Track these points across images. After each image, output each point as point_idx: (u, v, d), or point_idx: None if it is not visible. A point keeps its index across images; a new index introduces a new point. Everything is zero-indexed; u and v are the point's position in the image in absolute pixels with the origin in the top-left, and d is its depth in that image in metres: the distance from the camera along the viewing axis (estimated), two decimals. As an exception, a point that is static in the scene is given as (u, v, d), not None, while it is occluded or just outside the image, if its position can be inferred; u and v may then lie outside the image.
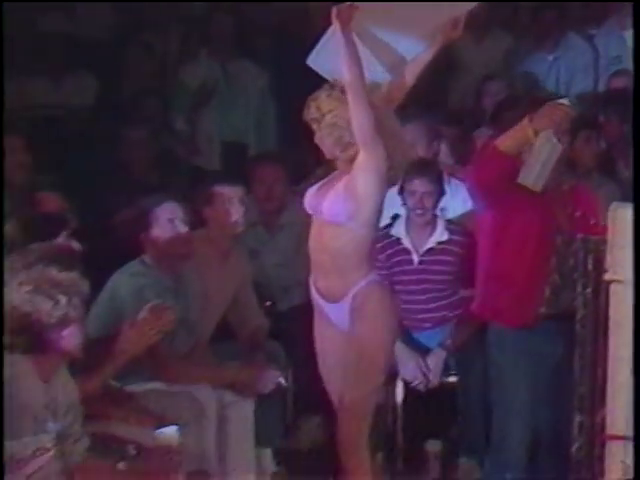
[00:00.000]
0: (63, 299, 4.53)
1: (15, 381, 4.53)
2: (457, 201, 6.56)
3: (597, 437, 4.11)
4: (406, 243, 6.32)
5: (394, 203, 6.43)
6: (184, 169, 7.87)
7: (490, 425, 5.94)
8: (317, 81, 5.16)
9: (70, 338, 4.57)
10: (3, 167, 5.85)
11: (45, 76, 7.86)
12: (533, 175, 4.89)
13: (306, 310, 5.41)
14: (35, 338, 4.53)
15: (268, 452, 6.09)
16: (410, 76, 5.15)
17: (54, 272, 4.67)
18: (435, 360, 6.26)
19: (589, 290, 4.08)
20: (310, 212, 5.23)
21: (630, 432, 4.04)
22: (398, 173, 5.46)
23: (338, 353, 5.18)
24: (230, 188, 6.13)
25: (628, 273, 4.07)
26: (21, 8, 8.03)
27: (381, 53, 5.13)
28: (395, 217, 6.41)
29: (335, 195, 5.05)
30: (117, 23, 8.63)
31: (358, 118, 4.96)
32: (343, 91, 5.03)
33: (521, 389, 5.05)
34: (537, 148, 4.88)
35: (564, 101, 4.97)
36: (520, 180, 4.90)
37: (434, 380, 6.26)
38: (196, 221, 6.00)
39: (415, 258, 6.32)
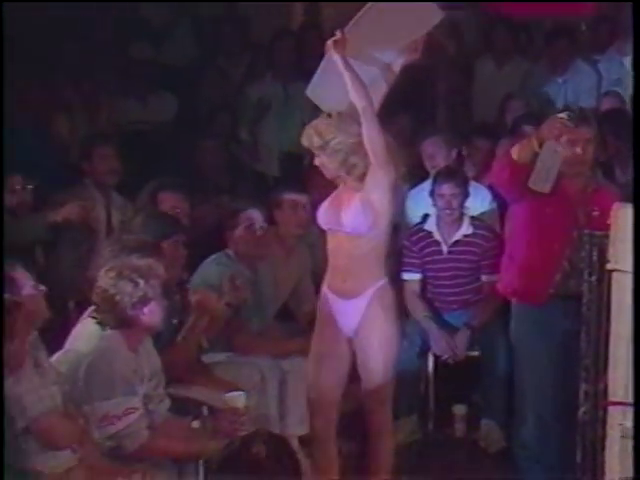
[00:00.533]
0: (141, 282, 4.57)
1: (108, 352, 4.59)
2: (478, 201, 6.56)
3: (600, 403, 4.09)
4: (437, 236, 6.32)
5: (424, 203, 6.50)
6: (248, 173, 7.90)
7: (508, 392, 5.97)
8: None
9: (150, 314, 4.62)
10: (3, 169, 5.58)
11: (133, 96, 7.89)
12: (540, 179, 4.87)
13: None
14: (121, 315, 4.59)
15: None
16: (375, 102, 4.89)
17: (134, 259, 4.72)
18: (461, 337, 6.25)
19: (594, 278, 4.07)
20: (326, 227, 5.03)
21: (629, 399, 4.03)
22: (402, 180, 5.48)
23: (335, 354, 5.02)
24: (297, 195, 6.20)
25: (628, 264, 4.05)
26: (113, 37, 8.08)
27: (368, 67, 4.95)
28: (425, 216, 6.43)
29: (355, 210, 4.87)
30: (196, 51, 8.66)
31: (374, 141, 4.77)
32: (341, 119, 4.86)
33: (536, 358, 5.03)
34: (542, 156, 4.85)
35: (563, 115, 4.93)
36: (530, 184, 4.89)
37: (460, 354, 6.26)
38: (268, 222, 6.06)
39: (444, 249, 6.32)
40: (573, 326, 4.62)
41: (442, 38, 8.35)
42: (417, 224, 6.48)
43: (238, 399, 4.92)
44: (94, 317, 4.66)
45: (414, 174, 6.94)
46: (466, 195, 6.29)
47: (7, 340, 4.14)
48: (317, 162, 4.97)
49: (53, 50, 7.63)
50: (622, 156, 6.31)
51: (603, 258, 4.08)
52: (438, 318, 6.31)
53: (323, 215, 5.03)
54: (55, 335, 4.79)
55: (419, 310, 6.31)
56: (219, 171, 7.29)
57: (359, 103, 4.76)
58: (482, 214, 6.52)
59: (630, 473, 3.93)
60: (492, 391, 6.15)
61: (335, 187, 5.03)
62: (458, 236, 6.30)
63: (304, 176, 6.71)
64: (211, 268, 5.85)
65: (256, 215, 5.95)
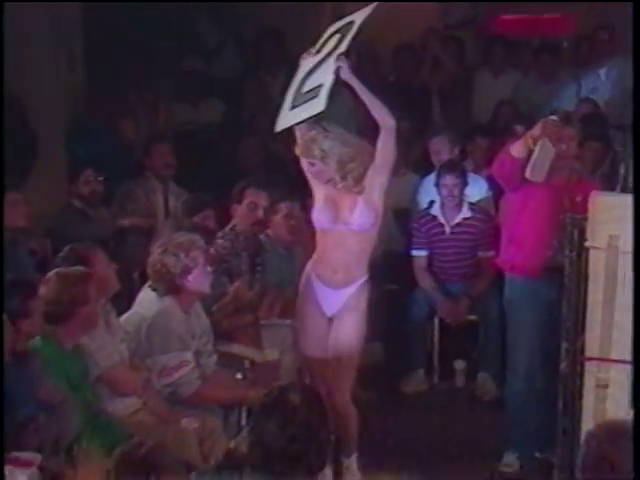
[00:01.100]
0: (182, 255, 4.58)
1: (165, 314, 4.60)
2: (476, 190, 6.53)
3: (578, 358, 4.08)
4: (441, 219, 6.30)
5: (430, 192, 6.50)
6: (286, 168, 7.82)
7: (501, 349, 5.96)
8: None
9: (194, 282, 4.62)
10: (3, 162, 5.34)
11: (186, 102, 7.90)
12: (535, 171, 4.85)
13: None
14: (169, 284, 4.60)
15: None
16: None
17: (178, 236, 4.74)
18: (461, 304, 6.23)
19: (574, 253, 4.05)
20: (322, 226, 4.63)
21: (602, 355, 4.03)
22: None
23: (318, 332, 4.67)
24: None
25: (603, 242, 4.04)
26: (167, 51, 8.07)
27: None
28: (431, 203, 6.41)
29: (360, 210, 4.57)
30: (239, 64, 8.63)
31: (388, 154, 4.53)
32: (339, 132, 4.56)
33: (527, 322, 5.02)
34: (535, 152, 4.83)
35: (554, 117, 4.92)
36: (527, 175, 4.88)
37: (461, 318, 6.24)
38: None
39: (447, 230, 6.30)
40: (557, 295, 4.60)
41: (447, 55, 8.35)
42: (424, 209, 6.48)
43: (274, 355, 4.94)
44: (151, 286, 4.69)
45: (422, 167, 6.94)
46: (465, 184, 6.27)
47: (80, 305, 4.16)
48: (314, 169, 4.58)
49: (120, 63, 7.64)
50: (598, 153, 6.25)
51: (582, 237, 4.05)
52: (442, 288, 6.29)
53: (319, 215, 4.64)
54: (123, 301, 4.84)
55: (426, 281, 6.29)
56: (259, 165, 7.28)
57: (388, 122, 4.47)
58: (479, 200, 6.49)
59: (604, 417, 3.92)
60: (487, 349, 6.14)
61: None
62: (459, 219, 6.28)
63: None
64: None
65: (292, 207, 5.88)
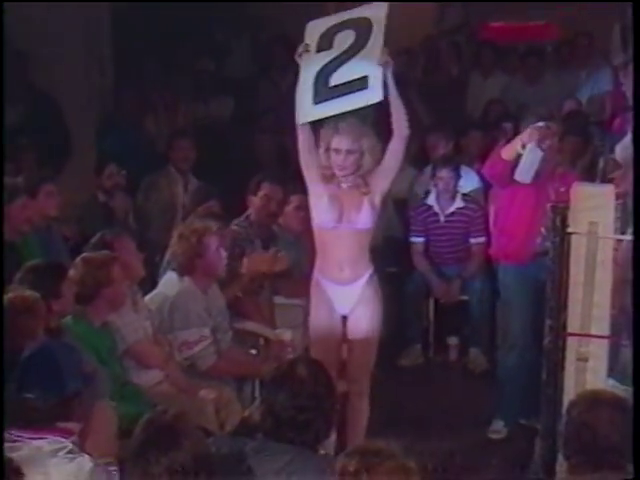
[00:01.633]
0: (194, 239, 4.55)
1: (185, 294, 4.60)
2: (468, 182, 6.50)
3: (560, 334, 4.06)
4: (436, 209, 6.28)
5: (427, 183, 6.48)
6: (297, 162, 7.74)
7: (490, 326, 5.96)
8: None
9: (209, 264, 4.59)
10: (3, 169, 5.18)
11: (199, 100, 7.84)
12: (523, 173, 4.84)
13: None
14: (186, 265, 4.58)
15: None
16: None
17: (194, 222, 4.73)
18: (454, 285, 6.22)
19: (557, 239, 4.03)
20: (329, 225, 4.34)
21: (583, 330, 4.01)
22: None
23: (330, 329, 4.43)
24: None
25: (583, 228, 4.01)
26: (180, 53, 8.04)
27: None
28: (427, 193, 6.39)
29: (365, 210, 4.34)
30: (251, 64, 8.60)
31: (396, 161, 4.35)
32: (364, 127, 4.36)
33: (519, 303, 5.01)
34: (524, 156, 4.81)
35: (541, 124, 4.89)
36: (516, 177, 4.86)
37: (454, 298, 6.23)
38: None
39: (442, 218, 6.28)
40: (545, 277, 4.59)
41: (447, 59, 8.32)
42: (421, 199, 6.45)
43: (286, 333, 4.93)
44: (172, 268, 4.68)
45: (420, 161, 6.91)
46: (459, 177, 6.25)
47: (104, 286, 4.15)
48: (335, 162, 4.31)
49: (140, 64, 7.63)
50: (579, 146, 6.21)
51: (564, 224, 4.03)
52: (437, 271, 6.27)
53: (324, 214, 4.35)
54: (147, 283, 4.84)
55: (423, 265, 6.28)
56: (270, 158, 7.25)
57: (404, 130, 4.29)
58: (471, 191, 6.45)
59: (584, 388, 3.91)
60: (478, 326, 6.14)
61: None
62: (452, 208, 6.25)
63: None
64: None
65: (303, 199, 5.80)
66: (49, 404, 2.91)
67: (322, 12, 4.96)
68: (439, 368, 6.18)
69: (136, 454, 2.73)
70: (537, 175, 4.85)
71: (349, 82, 4.29)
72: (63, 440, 2.94)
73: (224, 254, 4.68)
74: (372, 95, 4.26)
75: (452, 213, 6.26)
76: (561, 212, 4.03)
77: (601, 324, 4.03)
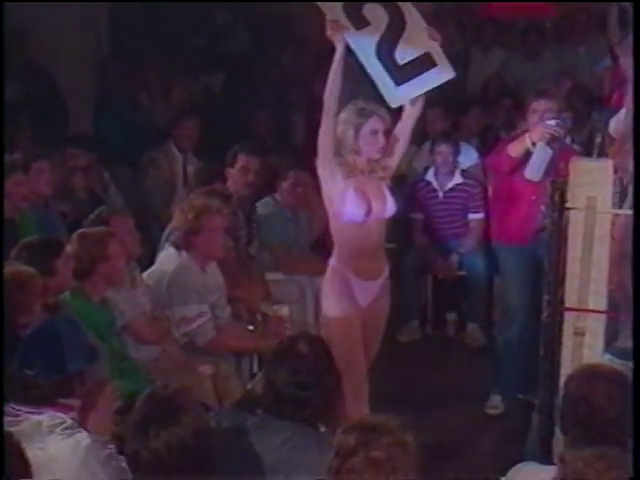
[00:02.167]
0: (191, 215, 4.54)
1: (184, 270, 4.59)
2: (467, 157, 6.49)
3: (558, 309, 4.06)
4: (435, 185, 6.26)
5: (426, 159, 6.45)
6: (296, 138, 7.68)
7: (487, 302, 5.96)
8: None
9: (205, 243, 4.57)
10: (3, 164, 5.00)
11: (189, 76, 7.77)
12: (533, 172, 4.82)
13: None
14: (182, 239, 4.58)
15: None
16: None
17: (195, 199, 4.72)
18: (452, 261, 6.22)
19: (556, 214, 4.01)
20: (359, 219, 4.07)
21: (580, 305, 4.01)
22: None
23: (357, 321, 4.19)
24: None
25: (582, 203, 4.00)
26: (178, 32, 7.99)
27: None
28: (426, 169, 6.36)
29: (387, 196, 4.16)
30: (248, 41, 8.55)
31: (406, 141, 4.22)
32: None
33: (520, 279, 5.00)
34: (535, 155, 4.80)
35: (552, 122, 4.85)
36: (526, 175, 4.85)
37: (452, 274, 6.23)
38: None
39: (440, 195, 6.27)
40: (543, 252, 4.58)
41: (453, 34, 8.26)
42: (420, 175, 6.41)
43: (283, 309, 4.93)
44: (170, 242, 4.67)
45: (418, 136, 6.87)
46: (458, 152, 6.22)
47: (99, 262, 4.14)
48: (378, 142, 4.06)
49: (136, 43, 7.59)
50: (579, 117, 6.18)
51: (563, 199, 4.02)
52: (435, 246, 6.27)
53: (354, 209, 4.05)
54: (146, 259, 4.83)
55: (421, 241, 6.27)
56: (267, 129, 7.20)
57: (417, 110, 4.16)
58: (470, 167, 6.44)
59: (581, 362, 3.91)
60: (475, 302, 6.14)
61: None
62: (451, 184, 6.23)
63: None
64: (263, 208, 5.81)
65: (299, 174, 5.81)
66: (50, 382, 2.90)
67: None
68: (437, 343, 6.18)
69: (136, 428, 2.73)
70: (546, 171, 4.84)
71: (414, 60, 4.07)
72: (63, 416, 2.94)
73: (222, 235, 4.65)
74: (446, 72, 4.11)
75: (451, 189, 6.24)
76: (560, 187, 4.01)
77: (598, 299, 4.03)
